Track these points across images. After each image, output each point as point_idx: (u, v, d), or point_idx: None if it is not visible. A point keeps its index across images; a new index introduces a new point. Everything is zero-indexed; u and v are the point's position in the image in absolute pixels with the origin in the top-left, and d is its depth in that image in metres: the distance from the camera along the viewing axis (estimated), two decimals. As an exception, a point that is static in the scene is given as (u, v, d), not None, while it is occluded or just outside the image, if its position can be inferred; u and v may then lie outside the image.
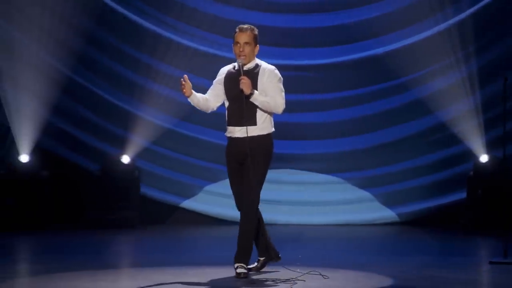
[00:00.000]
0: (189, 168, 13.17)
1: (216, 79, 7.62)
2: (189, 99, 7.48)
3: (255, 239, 7.55)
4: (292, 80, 13.02)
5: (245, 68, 7.46)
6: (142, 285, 6.94)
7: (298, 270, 7.59)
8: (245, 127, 7.35)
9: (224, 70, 7.62)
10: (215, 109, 7.63)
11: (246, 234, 7.38)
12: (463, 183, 12.35)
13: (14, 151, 12.57)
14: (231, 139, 7.49)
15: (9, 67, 12.35)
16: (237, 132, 7.42)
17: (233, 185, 7.52)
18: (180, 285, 7.02)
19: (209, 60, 12.52)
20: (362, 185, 13.10)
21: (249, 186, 7.31)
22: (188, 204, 13.14)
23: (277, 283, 7.09)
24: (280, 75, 7.48)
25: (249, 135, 7.35)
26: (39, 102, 12.47)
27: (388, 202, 12.98)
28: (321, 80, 13.09)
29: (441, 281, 7.44)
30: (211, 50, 12.90)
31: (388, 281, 7.32)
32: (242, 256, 7.37)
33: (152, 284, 7.03)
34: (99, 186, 12.60)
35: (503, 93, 8.96)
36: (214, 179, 13.12)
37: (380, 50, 12.87)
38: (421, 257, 9.21)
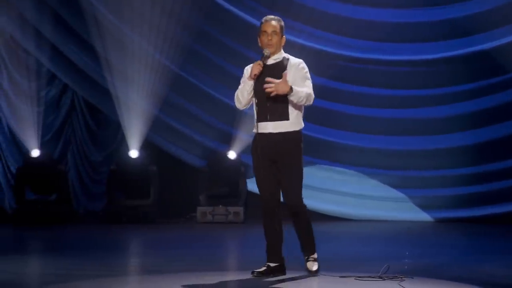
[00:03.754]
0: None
1: (246, 76, 7.21)
2: (250, 83, 7.12)
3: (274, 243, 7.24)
4: (402, 76, 12.91)
5: (273, 61, 7.12)
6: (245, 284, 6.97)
7: (406, 267, 7.52)
8: (277, 122, 7.02)
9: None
10: (247, 106, 7.21)
11: (306, 230, 7.24)
12: None
13: (124, 147, 12.81)
14: (262, 135, 7.04)
15: (120, 64, 12.60)
16: (269, 127, 7.04)
17: (264, 183, 7.09)
18: (288, 283, 6.97)
19: (316, 56, 12.47)
20: (470, 182, 12.82)
21: (291, 188, 7.03)
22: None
23: (384, 279, 7.01)
24: (307, 67, 7.10)
25: (281, 131, 7.02)
26: (149, 98, 12.69)
27: (502, 198, 12.64)
28: (431, 75, 12.89)
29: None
30: (318, 46, 12.86)
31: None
32: (309, 248, 7.30)
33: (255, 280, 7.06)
34: (206, 181, 12.72)
35: None
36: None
37: (490, 45, 12.59)
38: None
